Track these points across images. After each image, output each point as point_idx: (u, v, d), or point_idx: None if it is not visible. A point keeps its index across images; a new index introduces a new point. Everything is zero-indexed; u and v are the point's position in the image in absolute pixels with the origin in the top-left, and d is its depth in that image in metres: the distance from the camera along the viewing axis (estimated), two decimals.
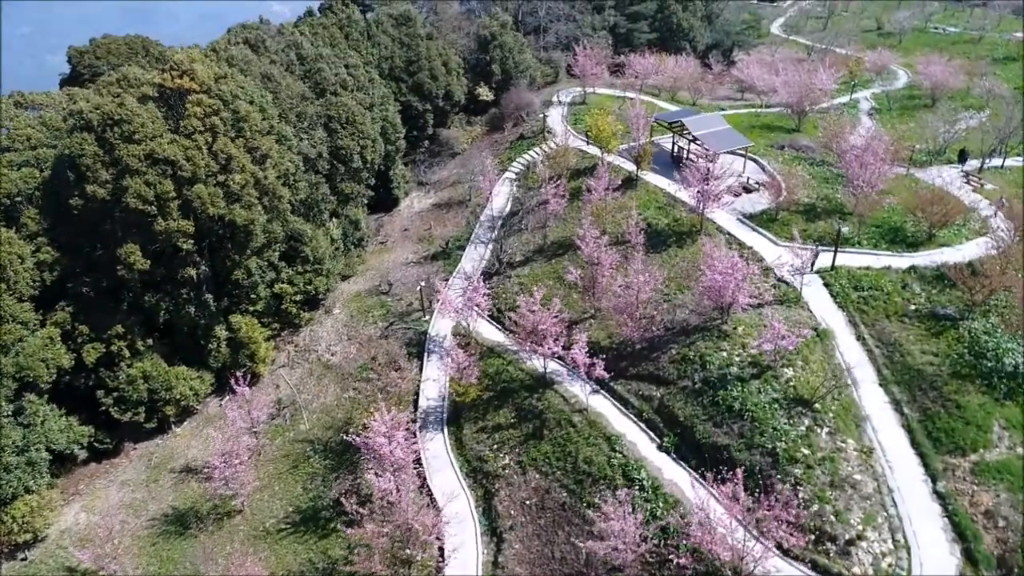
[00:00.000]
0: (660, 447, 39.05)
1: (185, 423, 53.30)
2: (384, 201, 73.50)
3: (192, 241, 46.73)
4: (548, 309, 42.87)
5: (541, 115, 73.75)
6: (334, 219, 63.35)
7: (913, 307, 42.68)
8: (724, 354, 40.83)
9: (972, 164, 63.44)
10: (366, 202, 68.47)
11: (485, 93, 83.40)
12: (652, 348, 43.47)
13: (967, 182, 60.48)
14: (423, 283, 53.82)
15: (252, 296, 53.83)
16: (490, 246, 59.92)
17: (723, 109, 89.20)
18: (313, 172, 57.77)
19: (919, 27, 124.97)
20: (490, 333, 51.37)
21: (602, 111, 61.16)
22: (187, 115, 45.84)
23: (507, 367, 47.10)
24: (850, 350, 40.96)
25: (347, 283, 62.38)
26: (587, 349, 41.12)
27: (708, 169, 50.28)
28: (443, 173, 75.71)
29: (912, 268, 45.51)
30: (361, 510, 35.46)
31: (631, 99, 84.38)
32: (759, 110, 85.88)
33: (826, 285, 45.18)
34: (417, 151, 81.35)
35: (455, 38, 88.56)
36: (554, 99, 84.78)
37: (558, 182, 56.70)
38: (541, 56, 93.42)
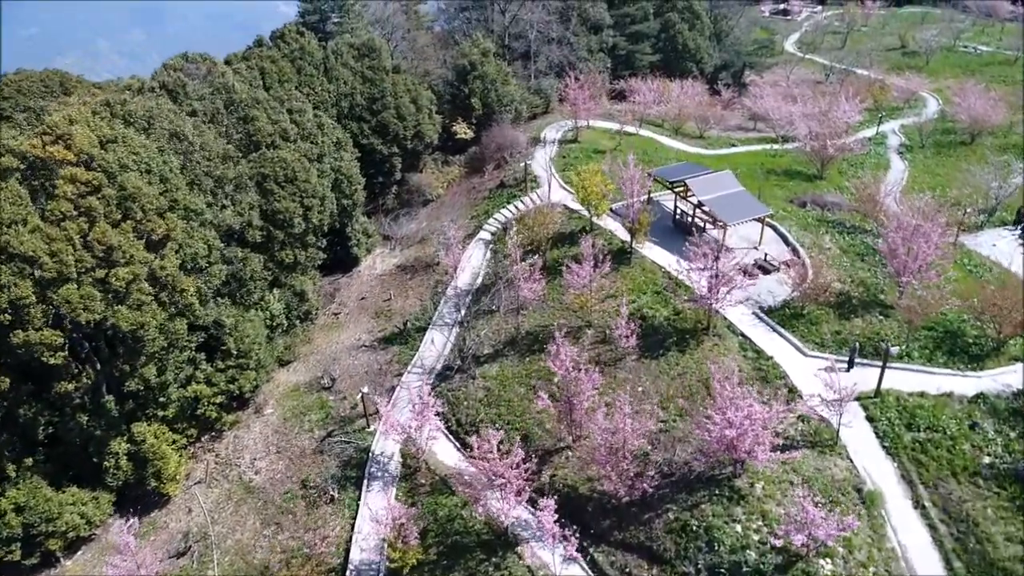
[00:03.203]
0: None
1: (79, 553, 43.52)
2: (342, 260, 63.63)
3: (65, 353, 37.07)
4: (509, 451, 33.13)
5: (523, 163, 63.56)
6: (275, 290, 53.57)
7: (987, 459, 32.49)
8: (738, 528, 30.81)
9: None
10: (318, 264, 58.60)
11: (464, 130, 73.11)
12: (644, 506, 33.42)
13: None
14: (364, 389, 43.93)
15: (161, 400, 44.25)
16: (455, 330, 49.97)
17: (734, 145, 79.33)
18: (240, 245, 48.00)
19: (947, 46, 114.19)
20: (446, 454, 41.51)
21: (590, 170, 50.95)
22: (56, 196, 36.16)
23: (461, 511, 37.24)
24: (906, 523, 30.83)
25: (286, 370, 52.52)
26: (557, 516, 31.21)
27: (717, 253, 40.33)
28: (412, 226, 65.73)
29: (980, 397, 35.30)
30: None
31: (628, 134, 75.40)
32: (774, 146, 75.80)
33: (870, 419, 35.02)
34: (384, 198, 71.45)
35: (430, 68, 78.43)
36: (542, 136, 74.77)
37: (534, 258, 46.60)
38: (530, 85, 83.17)
